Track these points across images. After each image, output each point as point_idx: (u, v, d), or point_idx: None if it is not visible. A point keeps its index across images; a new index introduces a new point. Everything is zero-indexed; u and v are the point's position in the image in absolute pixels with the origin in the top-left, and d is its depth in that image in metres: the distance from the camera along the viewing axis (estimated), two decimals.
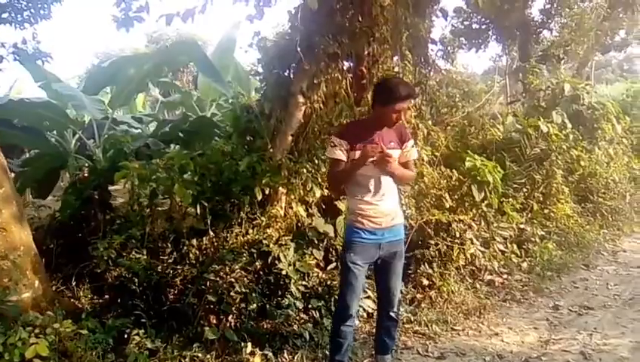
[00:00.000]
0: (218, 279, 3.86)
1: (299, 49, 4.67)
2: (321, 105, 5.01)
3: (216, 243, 4.38)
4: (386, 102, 3.10)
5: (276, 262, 4.02)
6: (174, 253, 4.48)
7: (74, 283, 4.63)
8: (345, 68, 5.25)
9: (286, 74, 5.08)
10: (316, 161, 4.84)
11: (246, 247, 4.21)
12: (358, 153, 3.14)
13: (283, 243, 4.13)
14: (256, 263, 4.10)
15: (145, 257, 4.34)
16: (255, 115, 5.39)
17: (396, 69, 6.38)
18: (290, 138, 4.90)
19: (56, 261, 5.12)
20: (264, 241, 4.14)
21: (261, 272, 4.12)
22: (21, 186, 8.12)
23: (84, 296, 4.56)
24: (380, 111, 3.16)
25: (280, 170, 4.43)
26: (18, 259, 3.85)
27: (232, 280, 3.87)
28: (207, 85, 11.15)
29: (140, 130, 11.16)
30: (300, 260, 4.16)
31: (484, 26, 16.62)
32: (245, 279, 3.97)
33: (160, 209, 4.73)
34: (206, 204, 4.51)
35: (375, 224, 3.20)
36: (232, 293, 3.83)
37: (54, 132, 8.94)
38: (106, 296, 4.53)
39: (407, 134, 3.36)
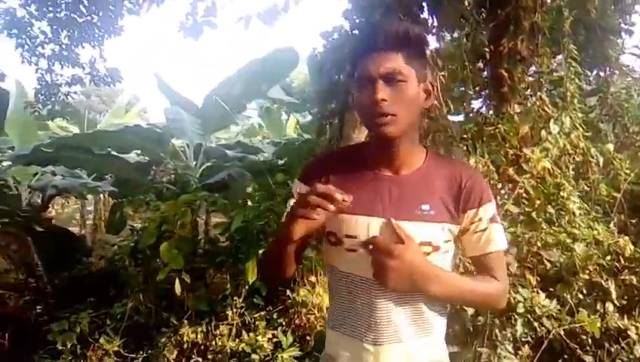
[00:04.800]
0: None
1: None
2: None
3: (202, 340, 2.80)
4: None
5: None
6: (151, 347, 3.02)
7: None
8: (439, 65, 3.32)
9: (341, 78, 3.31)
10: None
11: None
12: (349, 220, 1.34)
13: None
14: None
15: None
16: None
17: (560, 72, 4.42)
18: None
19: None
20: (253, 356, 2.43)
21: None
22: (121, 217, 7.53)
23: None
24: (354, 104, 1.39)
25: None
26: None
27: None
28: None
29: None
30: None
31: None
32: None
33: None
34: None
35: None
36: None
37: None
38: None
39: (480, 188, 1.37)
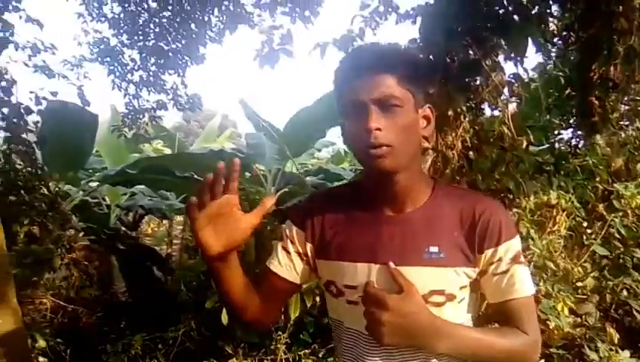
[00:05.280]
0: None
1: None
2: (463, 153, 2.92)
3: None
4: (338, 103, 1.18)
5: None
6: None
7: None
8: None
9: None
10: None
11: None
12: (348, 268, 1.18)
13: None
14: None
15: None
16: None
17: None
18: None
19: None
20: None
21: None
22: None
23: None
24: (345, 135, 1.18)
25: None
26: None
27: None
28: None
29: None
30: None
31: None
32: None
33: None
34: None
35: None
36: None
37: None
38: None
39: (498, 222, 1.14)
